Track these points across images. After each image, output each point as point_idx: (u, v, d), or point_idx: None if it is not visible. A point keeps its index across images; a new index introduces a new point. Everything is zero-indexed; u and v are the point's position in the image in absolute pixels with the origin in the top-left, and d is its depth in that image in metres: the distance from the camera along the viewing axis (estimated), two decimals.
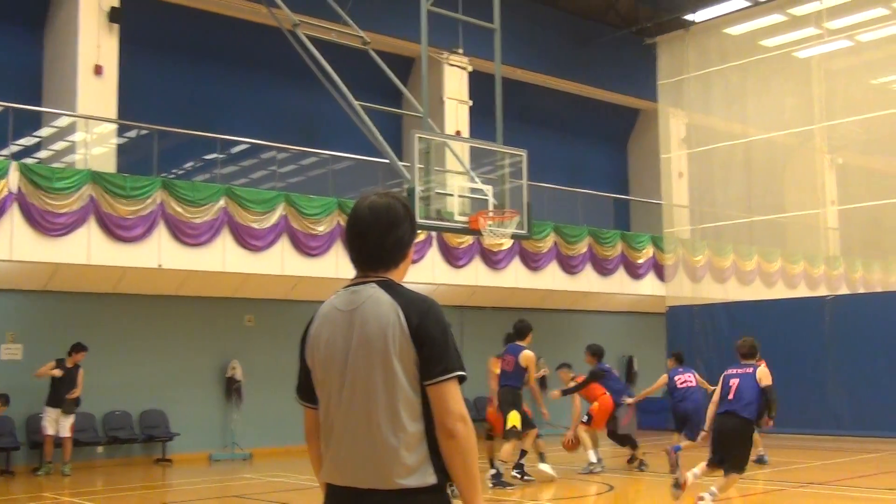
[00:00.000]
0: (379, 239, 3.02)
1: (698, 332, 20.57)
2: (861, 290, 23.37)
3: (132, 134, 17.26)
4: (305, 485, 12.70)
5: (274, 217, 15.77)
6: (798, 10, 21.55)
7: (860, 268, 24.46)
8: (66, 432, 14.27)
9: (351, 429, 2.93)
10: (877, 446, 16.19)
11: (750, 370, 9.60)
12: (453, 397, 2.86)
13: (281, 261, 15.89)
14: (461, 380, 2.90)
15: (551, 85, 23.45)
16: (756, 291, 22.43)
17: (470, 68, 20.44)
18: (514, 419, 11.73)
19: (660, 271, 21.87)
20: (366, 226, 3.03)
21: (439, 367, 2.86)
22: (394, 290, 2.97)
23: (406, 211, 3.09)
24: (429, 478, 2.87)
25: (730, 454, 9.40)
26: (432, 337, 2.87)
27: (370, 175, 18.83)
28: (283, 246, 15.92)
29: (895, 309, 17.85)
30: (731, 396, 9.44)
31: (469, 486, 2.89)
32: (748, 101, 22.82)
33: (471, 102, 20.51)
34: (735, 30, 22.54)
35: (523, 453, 12.18)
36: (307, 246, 16.10)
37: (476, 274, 18.19)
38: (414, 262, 16.95)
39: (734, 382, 9.51)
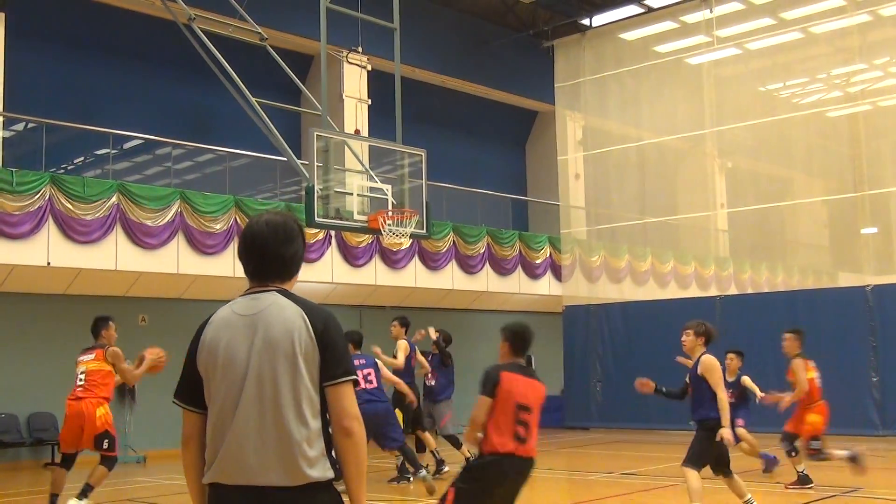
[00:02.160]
0: (278, 252, 3.22)
1: (594, 332, 20.96)
2: (749, 290, 24.10)
3: (19, 127, 16.68)
4: None
5: (169, 214, 15.45)
6: (689, 18, 22.11)
7: (748, 268, 25.23)
8: None
9: (254, 428, 3.05)
10: (765, 442, 16.70)
11: None
12: (350, 398, 3.10)
13: (176, 259, 15.57)
14: (354, 384, 3.14)
15: (450, 85, 23.55)
16: (650, 291, 22.94)
17: (369, 67, 20.38)
18: None
19: (557, 271, 22.20)
20: (264, 240, 3.21)
21: (340, 370, 3.09)
22: (294, 297, 3.18)
23: (299, 227, 3.29)
24: (327, 472, 3.06)
25: None
26: (334, 342, 3.11)
27: (268, 173, 18.61)
28: (179, 244, 15.61)
29: (781, 308, 18.45)
30: None
31: (358, 482, 3.10)
32: (642, 106, 23.32)
33: (370, 101, 20.45)
34: (629, 35, 23.01)
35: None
36: (203, 244, 15.82)
37: (375, 273, 18.14)
38: (313, 260, 16.89)
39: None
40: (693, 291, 23.55)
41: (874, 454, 15.18)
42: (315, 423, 3.06)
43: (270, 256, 3.21)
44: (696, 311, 19.68)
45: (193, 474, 3.23)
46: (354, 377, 3.13)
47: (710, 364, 8.29)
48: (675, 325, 19.58)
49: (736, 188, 25.06)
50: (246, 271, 3.25)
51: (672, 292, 23.20)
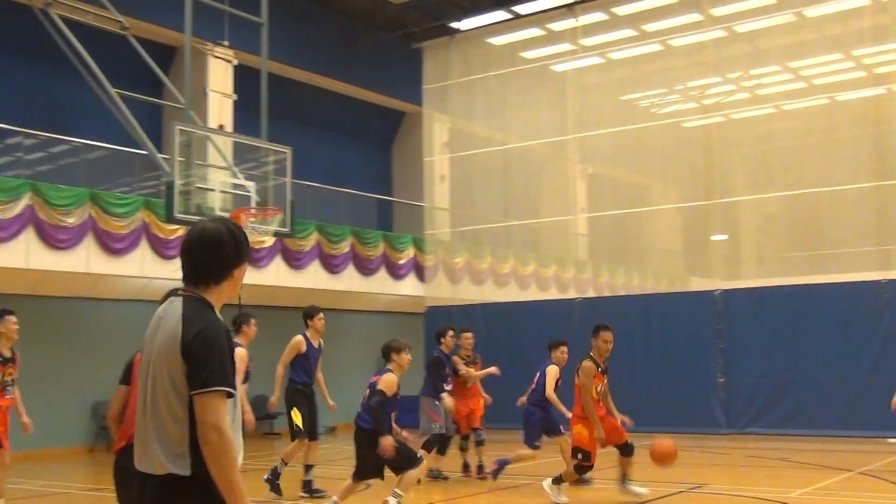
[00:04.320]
0: (200, 258, 3.44)
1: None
2: (606, 294, 24.77)
3: None
4: (46, 491, 12.01)
5: (18, 207, 14.82)
6: (555, 26, 22.58)
7: (606, 272, 25.93)
8: None
9: (145, 421, 3.37)
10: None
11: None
12: (208, 409, 3.21)
13: (26, 253, 14.95)
14: (229, 395, 3.27)
15: (318, 83, 23.38)
16: (511, 293, 23.31)
17: (235, 61, 20.03)
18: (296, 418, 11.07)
19: (420, 272, 22.32)
20: (190, 246, 3.46)
21: (197, 381, 3.24)
22: (192, 306, 3.37)
23: (231, 236, 3.47)
24: (186, 469, 3.25)
25: None
26: (198, 354, 3.26)
27: (126, 166, 18.08)
28: (28, 238, 15.00)
29: (635, 311, 19.05)
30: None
31: (226, 488, 3.23)
32: (508, 110, 23.67)
33: (235, 96, 20.09)
34: (497, 40, 23.33)
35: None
36: (55, 238, 15.25)
37: None
38: (171, 258, 16.49)
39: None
40: (553, 294, 24.06)
41: (719, 452, 15.87)
42: (177, 425, 3.27)
43: (192, 261, 3.45)
44: (555, 313, 20.22)
45: None
46: (217, 389, 3.22)
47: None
48: (535, 326, 20.13)
49: (596, 193, 25.73)
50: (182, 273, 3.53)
51: (532, 294, 23.64)
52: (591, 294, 24.22)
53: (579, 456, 10.21)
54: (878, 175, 19.19)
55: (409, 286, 22.08)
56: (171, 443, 3.27)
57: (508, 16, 22.49)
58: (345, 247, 20.29)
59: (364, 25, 23.84)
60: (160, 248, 16.73)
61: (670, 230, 25.46)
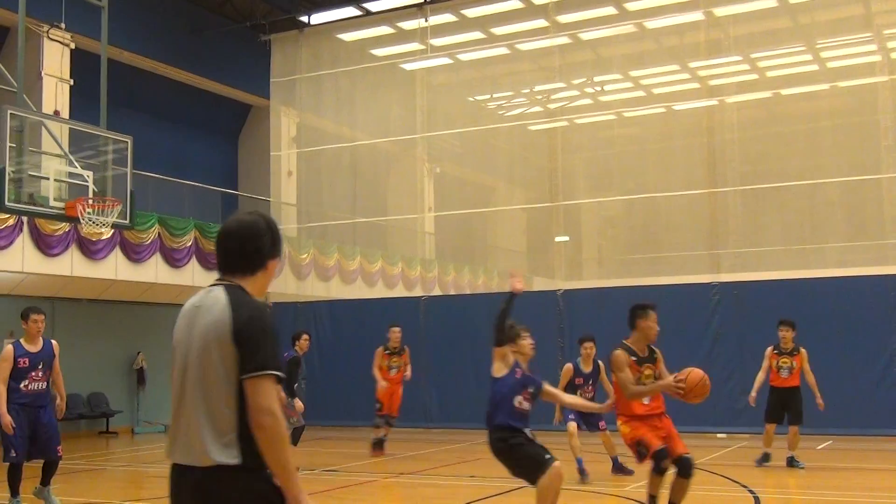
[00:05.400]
0: (239, 248, 3.51)
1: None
2: (452, 292, 25.04)
3: None
4: None
5: None
6: (405, 25, 22.69)
7: (452, 270, 26.21)
8: None
9: (183, 412, 3.38)
10: (461, 437, 17.41)
11: None
12: (262, 392, 3.25)
13: None
14: (279, 379, 3.30)
15: (161, 72, 22.69)
16: (357, 290, 23.26)
17: (73, 45, 19.22)
18: None
19: None
20: (228, 235, 3.53)
21: (251, 365, 3.27)
22: (235, 293, 3.42)
23: (268, 227, 3.55)
24: (234, 458, 3.25)
25: None
26: (251, 337, 3.30)
27: None
28: None
29: (480, 309, 19.30)
30: None
31: (282, 474, 3.27)
32: (357, 107, 23.62)
33: (72, 82, 19.29)
34: (347, 36, 23.26)
35: None
36: None
37: (71, 264, 17.15)
38: (2, 248, 15.70)
39: None
40: (399, 291, 24.13)
41: (554, 449, 16.24)
42: (227, 412, 3.28)
43: (229, 250, 3.52)
44: (402, 311, 20.28)
45: None
46: (272, 372, 3.26)
47: None
48: (381, 324, 20.12)
49: (443, 193, 25.98)
50: (216, 263, 3.59)
51: (379, 292, 23.66)
52: (437, 292, 24.44)
53: (643, 452, 8.28)
54: (709, 182, 20.10)
55: None
56: (221, 432, 3.27)
57: (358, 12, 22.45)
58: (188, 240, 19.76)
59: (211, 14, 23.30)
60: None
61: (515, 230, 25.96)
